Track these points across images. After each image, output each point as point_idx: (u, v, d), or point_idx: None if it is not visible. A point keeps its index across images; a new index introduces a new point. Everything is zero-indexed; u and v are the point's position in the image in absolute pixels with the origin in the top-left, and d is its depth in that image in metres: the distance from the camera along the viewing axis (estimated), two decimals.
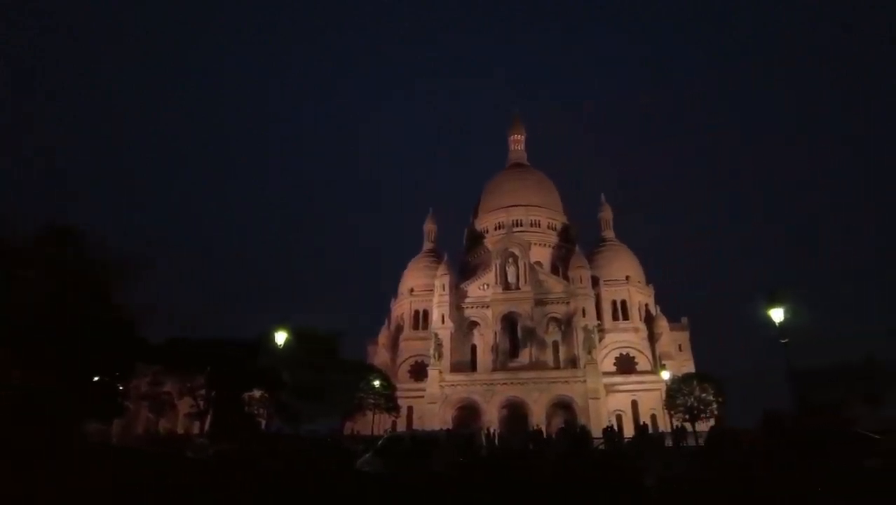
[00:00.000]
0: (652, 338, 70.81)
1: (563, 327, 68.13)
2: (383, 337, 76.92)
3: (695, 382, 48.79)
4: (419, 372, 69.59)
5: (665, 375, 55.52)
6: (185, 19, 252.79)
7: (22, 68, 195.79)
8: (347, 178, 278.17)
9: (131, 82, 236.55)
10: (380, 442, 21.64)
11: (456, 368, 65.37)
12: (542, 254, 79.68)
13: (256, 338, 36.66)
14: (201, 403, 39.81)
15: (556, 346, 68.04)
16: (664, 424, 53.12)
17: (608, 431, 34.14)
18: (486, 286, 71.09)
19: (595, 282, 70.78)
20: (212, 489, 11.43)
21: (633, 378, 65.67)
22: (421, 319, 76.09)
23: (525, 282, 69.48)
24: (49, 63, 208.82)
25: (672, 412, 48.77)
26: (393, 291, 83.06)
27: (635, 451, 24.84)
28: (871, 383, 39.51)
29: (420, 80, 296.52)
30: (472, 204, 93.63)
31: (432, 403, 61.02)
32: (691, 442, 33.70)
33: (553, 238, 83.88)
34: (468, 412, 61.06)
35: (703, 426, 41.20)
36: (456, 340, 67.89)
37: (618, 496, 12.15)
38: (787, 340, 20.77)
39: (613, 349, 69.99)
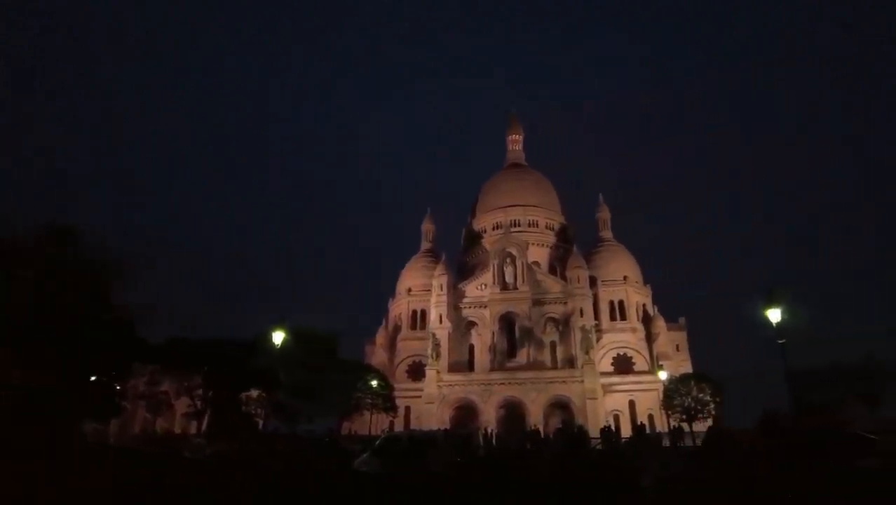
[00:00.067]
0: (649, 338, 70.96)
1: (560, 327, 68.27)
2: (381, 337, 76.83)
3: (692, 383, 48.88)
4: (417, 372, 69.66)
5: (662, 375, 55.51)
6: (185, 19, 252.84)
7: (22, 68, 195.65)
8: (347, 178, 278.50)
9: (131, 82, 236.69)
10: (377, 442, 21.67)
11: (453, 368, 65.45)
12: (539, 254, 79.71)
13: (254, 338, 36.66)
14: (199, 402, 39.87)
15: (553, 346, 68.20)
16: (661, 425, 53.25)
17: (605, 431, 34.08)
18: (483, 286, 71.17)
19: (593, 282, 70.90)
20: (210, 489, 11.44)
21: (631, 378, 65.75)
22: (419, 319, 76.09)
23: (523, 282, 69.56)
24: (49, 63, 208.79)
25: (669, 412, 48.87)
26: (391, 291, 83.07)
27: (632, 451, 24.82)
28: (870, 384, 39.62)
29: (420, 80, 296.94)
30: (471, 204, 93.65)
31: (430, 403, 61.05)
32: (688, 442, 33.80)
33: (551, 238, 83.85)
34: (466, 412, 61.08)
35: (701, 426, 41.23)
36: (454, 340, 67.92)
37: (615, 496, 12.19)
38: (784, 340, 20.78)
39: (611, 349, 70.06)
